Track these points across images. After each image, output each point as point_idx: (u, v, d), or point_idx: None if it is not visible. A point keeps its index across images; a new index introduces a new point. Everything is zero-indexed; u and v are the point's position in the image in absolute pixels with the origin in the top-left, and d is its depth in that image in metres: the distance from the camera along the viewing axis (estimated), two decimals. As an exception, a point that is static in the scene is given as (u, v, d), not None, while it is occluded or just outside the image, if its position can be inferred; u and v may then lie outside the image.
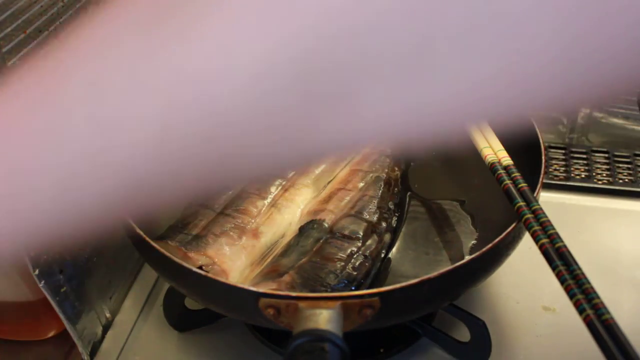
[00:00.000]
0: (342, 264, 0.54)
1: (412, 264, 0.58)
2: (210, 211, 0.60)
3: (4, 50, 0.47)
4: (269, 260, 0.56)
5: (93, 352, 0.61)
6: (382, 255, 0.58)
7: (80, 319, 0.58)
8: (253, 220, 0.59)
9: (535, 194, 0.52)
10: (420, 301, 0.48)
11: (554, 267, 0.45)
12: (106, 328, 0.63)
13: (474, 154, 0.59)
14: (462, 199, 0.65)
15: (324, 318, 0.43)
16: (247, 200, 0.61)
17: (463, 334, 0.58)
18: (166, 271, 0.51)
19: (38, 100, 0.25)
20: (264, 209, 0.61)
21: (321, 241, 0.57)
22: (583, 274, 0.44)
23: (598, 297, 0.42)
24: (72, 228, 0.27)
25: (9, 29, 0.48)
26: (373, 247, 0.57)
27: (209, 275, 0.49)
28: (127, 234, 0.55)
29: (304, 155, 0.24)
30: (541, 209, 0.50)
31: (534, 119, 0.61)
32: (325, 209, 0.60)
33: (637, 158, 0.80)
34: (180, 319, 0.62)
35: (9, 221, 0.27)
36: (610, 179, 0.77)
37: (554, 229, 0.48)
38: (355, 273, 0.54)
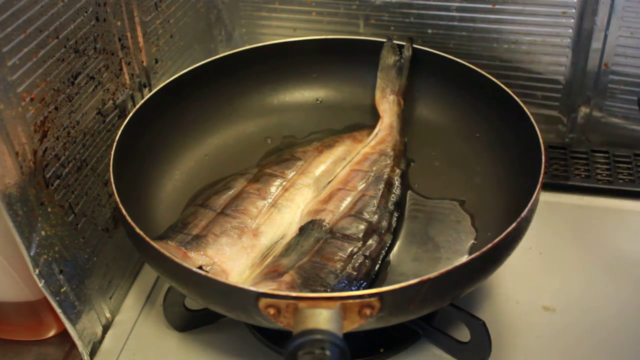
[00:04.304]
0: (342, 264, 0.54)
1: (412, 264, 0.58)
2: (210, 211, 0.60)
3: (4, 50, 0.47)
4: (269, 260, 0.56)
5: (93, 352, 0.61)
6: (382, 255, 0.58)
7: (80, 319, 0.58)
8: (253, 220, 0.59)
9: (535, 194, 0.52)
10: (420, 301, 0.48)
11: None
12: (106, 328, 0.63)
13: (474, 154, 0.59)
14: (462, 199, 0.65)
15: (324, 318, 0.43)
16: (247, 200, 0.61)
17: (463, 334, 0.58)
18: (166, 271, 0.51)
19: None
20: (264, 209, 0.61)
21: (321, 241, 0.57)
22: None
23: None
24: None
25: (9, 29, 0.48)
26: (373, 247, 0.57)
27: (209, 275, 0.49)
28: (127, 234, 0.55)
29: None
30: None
31: (534, 118, 0.61)
32: (326, 209, 0.60)
33: (637, 158, 0.80)
34: (180, 319, 0.62)
35: None
36: (610, 179, 0.77)
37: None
38: (355, 273, 0.54)
